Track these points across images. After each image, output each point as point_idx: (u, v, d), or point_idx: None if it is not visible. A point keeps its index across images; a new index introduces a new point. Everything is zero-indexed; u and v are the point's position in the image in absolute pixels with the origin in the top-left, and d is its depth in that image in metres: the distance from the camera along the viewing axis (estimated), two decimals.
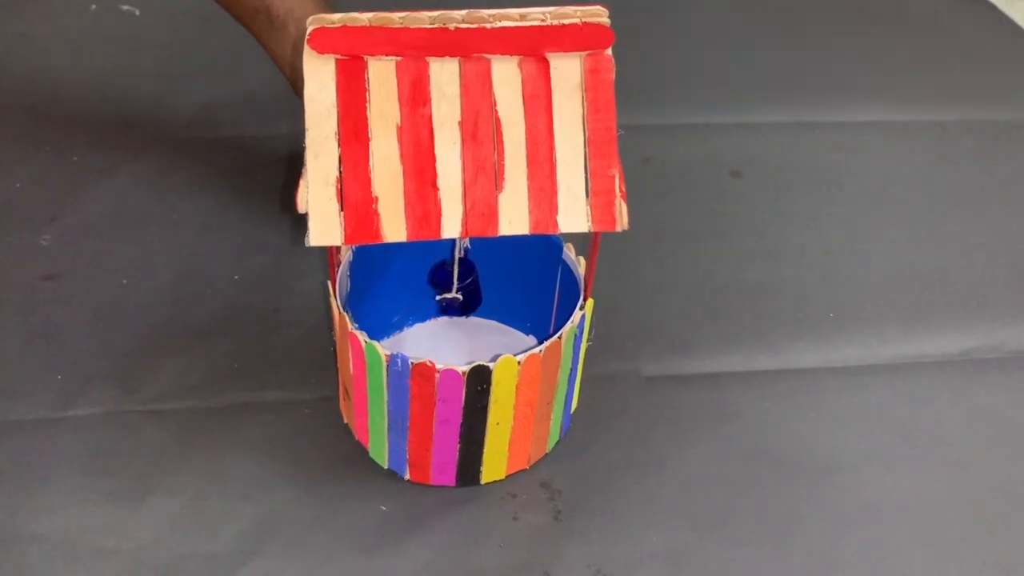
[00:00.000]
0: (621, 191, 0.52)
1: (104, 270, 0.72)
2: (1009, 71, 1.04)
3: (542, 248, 0.62)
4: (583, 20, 0.51)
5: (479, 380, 0.54)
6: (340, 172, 0.50)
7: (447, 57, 0.50)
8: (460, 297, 0.64)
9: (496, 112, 0.51)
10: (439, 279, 0.64)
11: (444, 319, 0.66)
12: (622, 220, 0.52)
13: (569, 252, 0.61)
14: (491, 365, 0.53)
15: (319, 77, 0.49)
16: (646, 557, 0.56)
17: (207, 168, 0.81)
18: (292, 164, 0.82)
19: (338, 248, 0.58)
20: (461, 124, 0.51)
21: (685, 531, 0.58)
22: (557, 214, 0.51)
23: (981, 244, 0.81)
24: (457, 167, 0.51)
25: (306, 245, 0.50)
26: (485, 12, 0.50)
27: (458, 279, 0.63)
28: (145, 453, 0.60)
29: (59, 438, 0.60)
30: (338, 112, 0.50)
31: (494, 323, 0.68)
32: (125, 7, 1.01)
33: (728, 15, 1.10)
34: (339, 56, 0.50)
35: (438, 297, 0.64)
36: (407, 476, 0.59)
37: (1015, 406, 0.67)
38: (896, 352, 0.70)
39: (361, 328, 0.55)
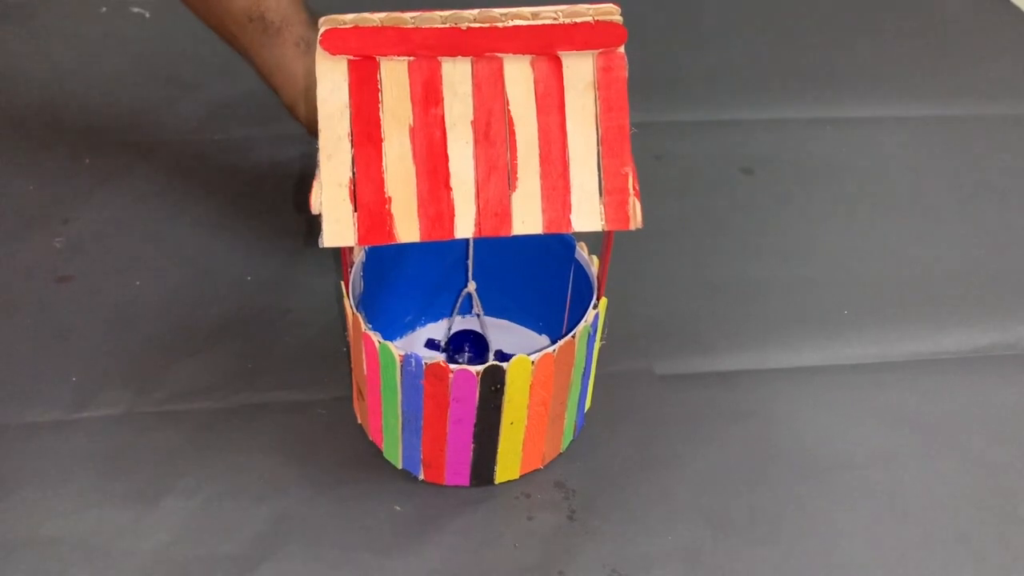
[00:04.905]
0: (635, 189, 0.51)
1: (117, 272, 0.72)
2: (1022, 65, 1.03)
3: (555, 247, 0.62)
4: (595, 18, 0.51)
5: (493, 380, 0.54)
6: (353, 173, 0.50)
7: (459, 57, 0.50)
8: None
9: (509, 111, 0.51)
10: (457, 346, 0.64)
11: (457, 318, 0.66)
12: (636, 219, 0.52)
13: (582, 251, 0.61)
14: (505, 365, 0.53)
15: (332, 78, 0.49)
16: (661, 556, 0.56)
17: (219, 169, 0.82)
18: (305, 165, 0.82)
19: (351, 248, 0.58)
20: (473, 124, 0.50)
21: (700, 529, 0.58)
22: (570, 213, 0.51)
23: (998, 240, 0.80)
24: (470, 167, 0.50)
25: (320, 246, 0.50)
26: (497, 11, 0.50)
27: (472, 350, 0.64)
28: (159, 454, 0.60)
29: (73, 440, 0.60)
30: (351, 113, 0.50)
31: (507, 323, 0.68)
32: (135, 9, 1.01)
33: (739, 11, 1.09)
34: (351, 57, 0.49)
35: (456, 357, 0.64)
36: (421, 476, 0.59)
37: None
38: (911, 349, 0.70)
39: (374, 328, 0.55)
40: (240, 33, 0.68)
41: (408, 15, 0.50)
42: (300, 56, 0.67)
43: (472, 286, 0.61)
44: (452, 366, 0.53)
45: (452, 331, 0.64)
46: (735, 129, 0.91)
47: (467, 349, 0.63)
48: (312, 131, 0.69)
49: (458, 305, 0.63)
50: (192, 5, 0.70)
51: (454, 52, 0.50)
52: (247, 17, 0.67)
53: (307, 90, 0.68)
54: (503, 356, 0.64)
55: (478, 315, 0.63)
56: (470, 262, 0.61)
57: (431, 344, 0.66)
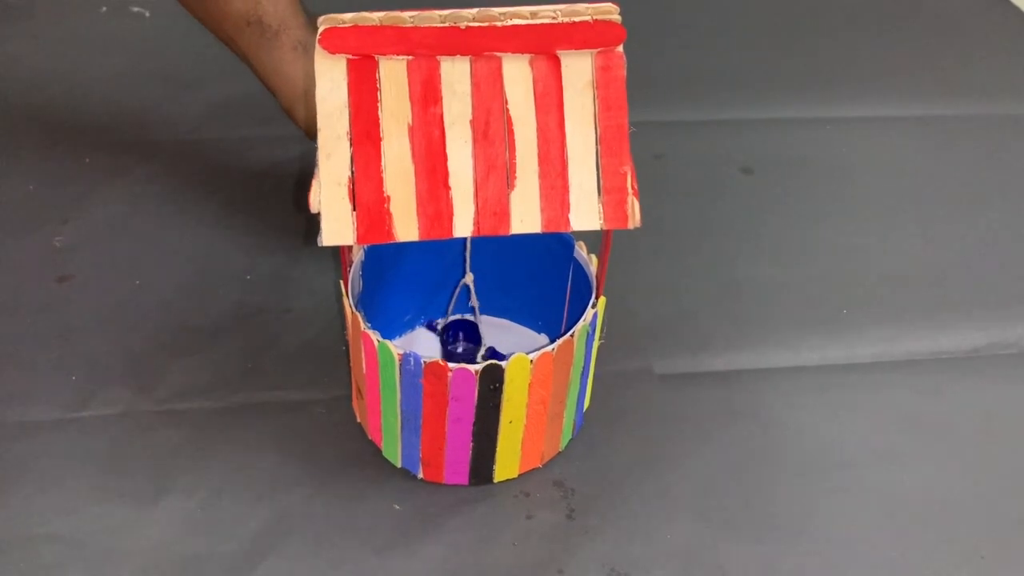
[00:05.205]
0: (633, 188, 0.51)
1: (117, 271, 0.72)
2: (1022, 65, 1.03)
3: (553, 246, 0.62)
4: (594, 17, 0.51)
5: (492, 379, 0.54)
6: (352, 172, 0.50)
7: (458, 56, 0.50)
8: (491, 347, 0.65)
9: (507, 110, 0.51)
10: (453, 335, 0.65)
11: (455, 317, 0.66)
12: (634, 218, 0.52)
13: (580, 250, 0.61)
14: (504, 364, 0.53)
15: (330, 77, 0.49)
16: (660, 555, 0.56)
17: (219, 168, 0.82)
18: (304, 164, 0.82)
19: (350, 247, 0.58)
20: (472, 123, 0.51)
21: (699, 529, 0.58)
22: (569, 212, 0.51)
23: (996, 239, 0.80)
24: (469, 166, 0.51)
25: (319, 245, 0.50)
26: (496, 10, 0.50)
27: (467, 339, 0.64)
28: (159, 453, 0.60)
29: (73, 439, 0.60)
30: (350, 112, 0.50)
31: (505, 322, 0.68)
32: (135, 8, 1.01)
33: (739, 11, 1.10)
34: (350, 56, 0.50)
35: (479, 358, 0.64)
36: (420, 475, 0.59)
37: None
38: (910, 348, 0.70)
39: (373, 327, 0.55)
40: (238, 36, 0.68)
41: (407, 14, 0.50)
42: (298, 60, 0.68)
43: (469, 277, 0.61)
44: (451, 365, 0.53)
45: (449, 319, 0.65)
46: (735, 129, 0.91)
47: (462, 338, 0.64)
48: (310, 134, 0.69)
49: (456, 295, 0.63)
50: (190, 8, 0.70)
51: (453, 51, 0.50)
52: (244, 21, 0.67)
53: (305, 93, 0.68)
54: (496, 354, 0.64)
55: (473, 307, 0.63)
56: (467, 254, 0.61)
57: (431, 326, 0.66)
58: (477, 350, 0.65)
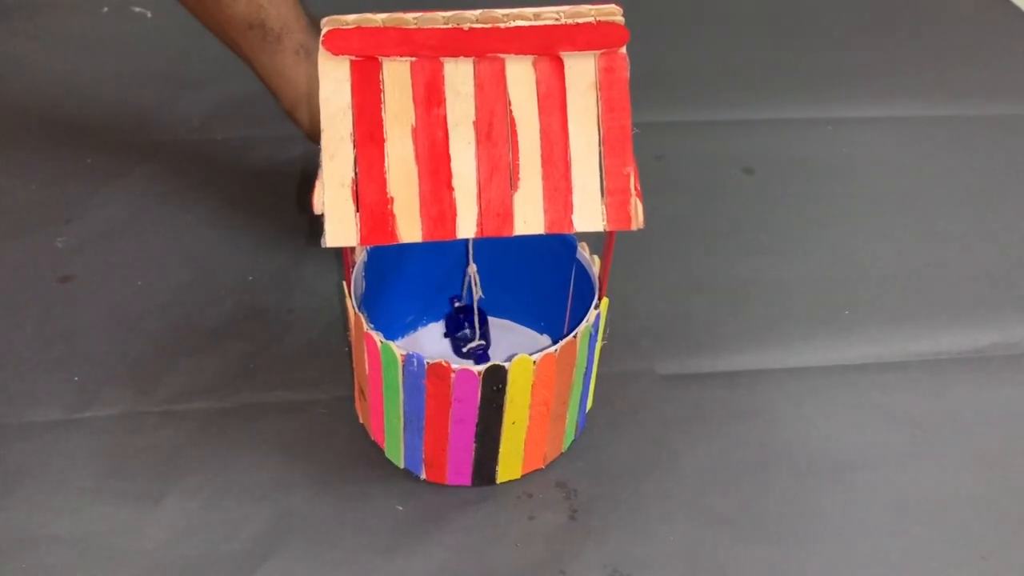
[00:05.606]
0: (636, 189, 0.51)
1: (119, 271, 0.72)
2: (1022, 65, 1.04)
3: (556, 247, 0.62)
4: (597, 19, 0.51)
5: (494, 380, 0.54)
6: (355, 173, 0.50)
7: (461, 57, 0.50)
8: (484, 343, 0.64)
9: (511, 112, 0.51)
10: (456, 325, 0.64)
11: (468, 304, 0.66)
12: (637, 219, 0.52)
13: (583, 251, 0.61)
14: (506, 365, 0.53)
15: (334, 78, 0.49)
16: (662, 556, 0.56)
17: (221, 169, 0.82)
18: (307, 165, 0.82)
19: (353, 248, 0.58)
20: (476, 124, 0.51)
21: (701, 529, 0.58)
22: (572, 213, 0.51)
23: (998, 240, 0.81)
24: (472, 167, 0.51)
25: (322, 246, 0.50)
26: (499, 12, 0.50)
27: (472, 326, 0.64)
28: (161, 454, 0.60)
29: (75, 439, 0.60)
30: (353, 113, 0.50)
31: (508, 322, 0.68)
32: (137, 9, 1.01)
33: (740, 11, 1.10)
34: (354, 57, 0.50)
35: (465, 349, 0.64)
36: (423, 476, 0.59)
37: None
38: (912, 349, 0.70)
39: (376, 328, 0.55)
40: (240, 39, 0.68)
41: (410, 15, 0.50)
42: (300, 63, 0.68)
43: (472, 268, 0.61)
44: (454, 366, 0.53)
45: (464, 303, 0.65)
46: (735, 129, 0.91)
47: (466, 325, 0.63)
48: (313, 137, 0.69)
49: (465, 284, 0.62)
50: (193, 10, 0.70)
51: (456, 52, 0.50)
52: (247, 24, 0.67)
53: (308, 96, 0.68)
54: (483, 355, 0.64)
55: (474, 298, 0.63)
56: (470, 249, 0.61)
57: (450, 301, 0.67)
58: (484, 337, 0.64)
